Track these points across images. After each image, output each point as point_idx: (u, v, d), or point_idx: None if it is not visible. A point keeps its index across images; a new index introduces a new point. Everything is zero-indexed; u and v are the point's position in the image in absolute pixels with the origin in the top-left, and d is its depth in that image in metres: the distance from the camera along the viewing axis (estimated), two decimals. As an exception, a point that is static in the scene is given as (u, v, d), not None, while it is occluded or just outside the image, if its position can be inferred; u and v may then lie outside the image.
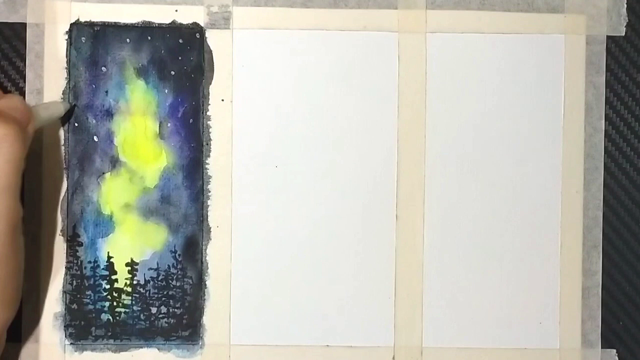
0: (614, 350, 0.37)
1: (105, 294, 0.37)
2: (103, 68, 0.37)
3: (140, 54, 0.37)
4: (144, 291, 0.37)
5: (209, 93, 0.37)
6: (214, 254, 0.37)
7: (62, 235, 0.37)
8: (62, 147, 0.37)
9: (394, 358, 0.37)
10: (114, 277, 0.37)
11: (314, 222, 0.37)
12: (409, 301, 0.37)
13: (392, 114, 0.37)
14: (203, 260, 0.37)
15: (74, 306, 0.37)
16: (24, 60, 0.36)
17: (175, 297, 0.37)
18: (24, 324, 0.36)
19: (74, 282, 0.37)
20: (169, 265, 0.37)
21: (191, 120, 0.37)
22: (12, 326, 0.34)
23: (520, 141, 0.37)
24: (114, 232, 0.37)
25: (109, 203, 0.37)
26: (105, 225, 0.37)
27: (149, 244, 0.37)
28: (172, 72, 0.37)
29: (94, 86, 0.37)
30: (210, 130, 0.37)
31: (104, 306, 0.37)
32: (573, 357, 0.37)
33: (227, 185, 0.37)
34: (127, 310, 0.37)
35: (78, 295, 0.37)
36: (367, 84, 0.37)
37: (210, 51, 0.37)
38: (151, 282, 0.37)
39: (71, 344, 0.37)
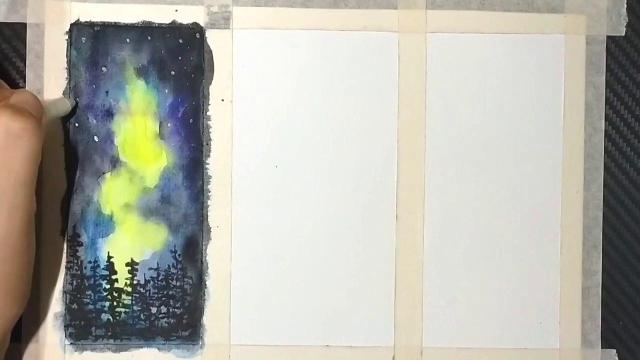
0: (614, 350, 0.37)
1: (105, 293, 0.37)
2: (103, 68, 0.37)
3: (140, 54, 0.37)
4: (144, 291, 0.37)
5: (209, 93, 0.37)
6: (214, 254, 0.37)
7: (62, 235, 0.37)
8: (62, 147, 0.37)
9: (394, 358, 0.37)
10: (114, 277, 0.37)
11: (314, 222, 0.37)
12: (409, 301, 0.37)
13: (392, 114, 0.37)
14: (203, 260, 0.37)
15: (74, 306, 0.37)
16: (24, 60, 0.36)
17: (175, 297, 0.37)
18: (24, 324, 0.36)
19: (74, 282, 0.37)
20: (169, 265, 0.37)
21: (191, 120, 0.37)
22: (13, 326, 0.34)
23: (520, 141, 0.37)
24: (114, 232, 0.37)
25: (109, 203, 0.37)
26: (105, 225, 0.37)
27: (149, 244, 0.37)
28: (172, 72, 0.37)
29: (94, 86, 0.37)
30: (210, 130, 0.37)
31: (104, 306, 0.37)
32: (573, 357, 0.37)
33: (227, 185, 0.37)
34: (127, 310, 0.37)
35: (78, 295, 0.37)
36: (367, 84, 0.37)
37: (210, 51, 0.37)
38: (151, 282, 0.37)
39: (71, 344, 0.37)
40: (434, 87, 0.37)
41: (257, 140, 0.37)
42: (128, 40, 0.37)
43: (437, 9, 0.37)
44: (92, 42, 0.37)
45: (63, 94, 0.36)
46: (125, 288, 0.37)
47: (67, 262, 0.37)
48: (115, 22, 0.37)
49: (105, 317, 0.37)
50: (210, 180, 0.37)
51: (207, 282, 0.37)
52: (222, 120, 0.37)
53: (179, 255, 0.37)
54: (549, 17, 0.37)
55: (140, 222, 0.37)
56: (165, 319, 0.37)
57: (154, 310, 0.37)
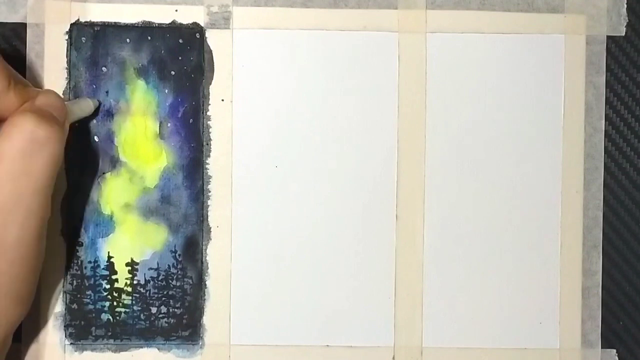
0: (614, 350, 0.37)
1: (105, 293, 0.37)
2: (103, 68, 0.37)
3: (140, 54, 0.37)
4: (144, 291, 0.37)
5: (209, 93, 0.37)
6: (214, 254, 0.37)
7: (62, 235, 0.37)
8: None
9: (394, 358, 0.37)
10: (114, 277, 0.37)
11: (314, 222, 0.37)
12: (409, 301, 0.37)
13: (392, 114, 0.37)
14: (203, 260, 0.37)
15: (74, 306, 0.37)
16: (24, 60, 0.36)
17: (175, 297, 0.37)
18: (24, 324, 0.36)
19: (74, 282, 0.37)
20: (169, 265, 0.37)
21: (191, 120, 0.37)
22: (12, 326, 0.34)
23: (520, 141, 0.37)
24: (114, 232, 0.37)
25: (109, 203, 0.37)
26: (105, 225, 0.37)
27: (149, 244, 0.37)
28: (172, 72, 0.37)
29: (94, 86, 0.37)
30: (210, 130, 0.37)
31: (104, 306, 0.37)
32: (573, 357, 0.37)
33: (227, 185, 0.37)
34: (127, 310, 0.37)
35: (78, 295, 0.37)
36: (367, 84, 0.37)
37: (210, 51, 0.37)
38: (151, 282, 0.37)
39: (71, 344, 0.37)
40: (434, 87, 0.37)
41: (257, 140, 0.37)
42: (128, 40, 0.37)
43: (437, 9, 0.37)
44: (92, 42, 0.37)
45: (63, 94, 0.36)
46: (125, 288, 0.37)
47: (67, 262, 0.37)
48: (115, 22, 0.37)
49: (105, 317, 0.37)
50: (210, 180, 0.37)
51: (207, 282, 0.37)
52: (222, 120, 0.37)
53: (179, 255, 0.37)
54: (549, 17, 0.37)
55: (140, 222, 0.37)
56: (165, 319, 0.37)
57: (154, 310, 0.37)
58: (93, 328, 0.37)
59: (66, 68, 0.36)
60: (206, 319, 0.37)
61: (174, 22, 0.37)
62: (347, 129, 0.37)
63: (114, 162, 0.37)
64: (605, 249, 0.37)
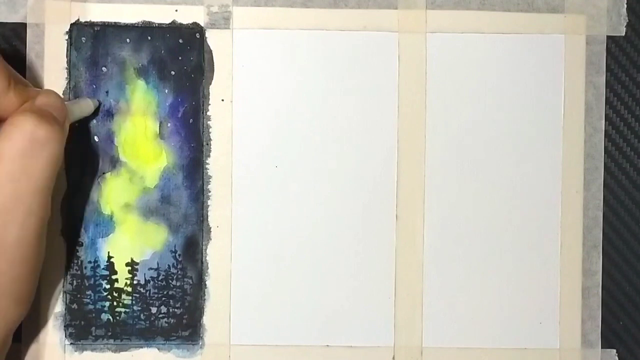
0: (614, 350, 0.37)
1: (105, 294, 0.37)
2: (103, 68, 0.37)
3: (140, 54, 0.37)
4: (144, 291, 0.37)
5: (209, 93, 0.37)
6: (214, 254, 0.37)
7: (62, 235, 0.37)
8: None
9: (394, 358, 0.37)
10: (114, 277, 0.37)
11: (314, 222, 0.37)
12: (409, 301, 0.37)
13: (392, 114, 0.37)
14: (203, 260, 0.37)
15: (74, 306, 0.37)
16: (24, 60, 0.36)
17: (175, 297, 0.37)
18: (24, 324, 0.36)
19: (74, 282, 0.37)
20: (169, 265, 0.37)
21: (191, 120, 0.37)
22: (12, 326, 0.34)
23: (520, 141, 0.37)
24: (114, 232, 0.37)
25: (109, 203, 0.37)
26: (105, 225, 0.37)
27: (149, 244, 0.37)
28: (172, 72, 0.37)
29: (94, 86, 0.37)
30: (210, 130, 0.37)
31: (104, 306, 0.37)
32: (573, 357, 0.37)
33: (227, 185, 0.37)
34: (127, 310, 0.37)
35: (78, 295, 0.37)
36: (367, 84, 0.37)
37: (210, 51, 0.37)
38: (151, 282, 0.37)
39: (71, 344, 0.37)
40: (434, 87, 0.37)
41: (257, 140, 0.37)
42: (128, 40, 0.37)
43: (437, 9, 0.37)
44: (92, 42, 0.37)
45: (63, 94, 0.36)
46: (125, 288, 0.37)
47: (67, 262, 0.37)
48: (115, 22, 0.37)
49: (105, 317, 0.37)
50: (210, 180, 0.37)
51: (207, 282, 0.37)
52: (222, 120, 0.37)
53: (179, 255, 0.37)
54: (549, 17, 0.37)
55: (140, 222, 0.37)
56: (165, 319, 0.37)
57: (154, 310, 0.37)
58: (93, 328, 0.37)
59: (66, 68, 0.36)
60: (206, 319, 0.37)
61: (174, 22, 0.37)
62: (347, 129, 0.37)
63: (114, 162, 0.37)
64: (605, 249, 0.37)
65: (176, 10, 0.37)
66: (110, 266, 0.37)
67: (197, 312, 0.37)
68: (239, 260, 0.37)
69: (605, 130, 0.37)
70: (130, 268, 0.37)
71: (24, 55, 0.36)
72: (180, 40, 0.37)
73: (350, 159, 0.37)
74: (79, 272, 0.37)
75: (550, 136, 0.37)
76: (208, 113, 0.37)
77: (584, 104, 0.37)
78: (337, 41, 0.37)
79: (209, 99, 0.37)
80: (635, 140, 0.38)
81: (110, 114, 0.37)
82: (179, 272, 0.37)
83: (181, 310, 0.37)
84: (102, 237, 0.37)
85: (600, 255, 0.37)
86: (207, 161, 0.37)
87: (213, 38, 0.37)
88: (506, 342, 0.37)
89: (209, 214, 0.37)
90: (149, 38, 0.37)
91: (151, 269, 0.37)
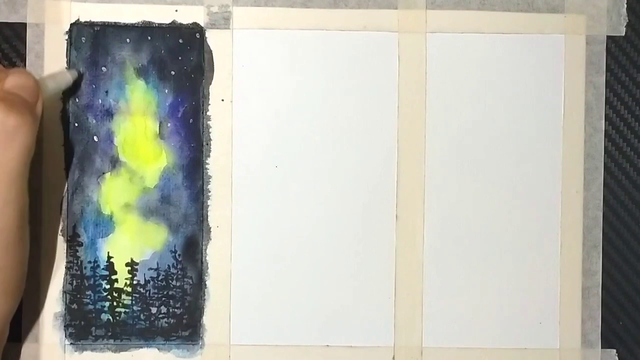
0: (614, 350, 0.37)
1: (105, 294, 0.37)
2: (103, 68, 0.37)
3: (140, 54, 0.37)
4: (144, 291, 0.37)
5: (209, 93, 0.37)
6: (214, 254, 0.37)
7: (62, 235, 0.37)
8: (62, 147, 0.36)
9: (394, 358, 0.37)
10: (114, 277, 0.37)
11: (314, 222, 0.37)
12: (409, 301, 0.37)
13: (392, 114, 0.37)
14: (203, 260, 0.37)
15: (74, 306, 0.37)
16: (24, 60, 0.36)
17: (175, 297, 0.37)
18: (24, 324, 0.36)
19: (74, 282, 0.37)
20: (169, 265, 0.37)
21: (191, 120, 0.37)
22: (12, 326, 0.34)
23: (520, 141, 0.37)
24: (114, 232, 0.37)
25: (109, 203, 0.37)
26: (105, 225, 0.37)
27: (149, 244, 0.37)
28: (172, 72, 0.37)
29: (94, 86, 0.37)
30: (210, 130, 0.37)
31: (104, 306, 0.37)
32: (573, 357, 0.37)
33: (227, 185, 0.37)
34: (127, 310, 0.37)
35: (78, 295, 0.37)
36: (367, 84, 0.37)
37: (210, 51, 0.37)
38: (151, 282, 0.37)
39: (71, 344, 0.37)
40: (434, 87, 0.37)
41: (257, 140, 0.37)
42: (128, 40, 0.37)
43: (437, 9, 0.37)
44: (92, 42, 0.37)
45: (63, 94, 0.36)
46: (125, 288, 0.37)
47: (67, 262, 0.37)
48: (115, 22, 0.37)
49: (105, 317, 0.37)
50: (210, 180, 0.37)
51: (207, 282, 0.37)
52: (222, 120, 0.37)
53: (179, 255, 0.37)
54: (549, 17, 0.37)
55: (140, 222, 0.37)
56: (165, 319, 0.37)
57: (154, 310, 0.37)
58: (93, 328, 0.37)
59: (66, 68, 0.36)
60: (206, 319, 0.37)
61: (174, 22, 0.37)
62: (347, 129, 0.37)
63: (114, 162, 0.37)
64: (605, 249, 0.37)
65: (176, 10, 0.37)
66: (110, 266, 0.37)
67: (197, 312, 0.37)
68: (239, 260, 0.37)
69: (605, 130, 0.37)
70: (130, 268, 0.37)
71: (24, 55, 0.36)
72: (180, 40, 0.37)
73: (350, 159, 0.37)
74: (78, 272, 0.37)
75: (550, 136, 0.37)
76: (208, 113, 0.37)
77: (584, 104, 0.37)
78: (337, 41, 0.37)
79: (209, 99, 0.37)
80: (635, 140, 0.38)
81: (110, 114, 0.37)
82: (179, 272, 0.37)
83: (181, 310, 0.37)
84: (102, 237, 0.37)
85: (600, 255, 0.37)
86: (207, 161, 0.37)
87: (213, 38, 0.37)
88: (506, 342, 0.37)
89: (209, 214, 0.37)
90: (149, 38, 0.37)
91: (151, 269, 0.37)
